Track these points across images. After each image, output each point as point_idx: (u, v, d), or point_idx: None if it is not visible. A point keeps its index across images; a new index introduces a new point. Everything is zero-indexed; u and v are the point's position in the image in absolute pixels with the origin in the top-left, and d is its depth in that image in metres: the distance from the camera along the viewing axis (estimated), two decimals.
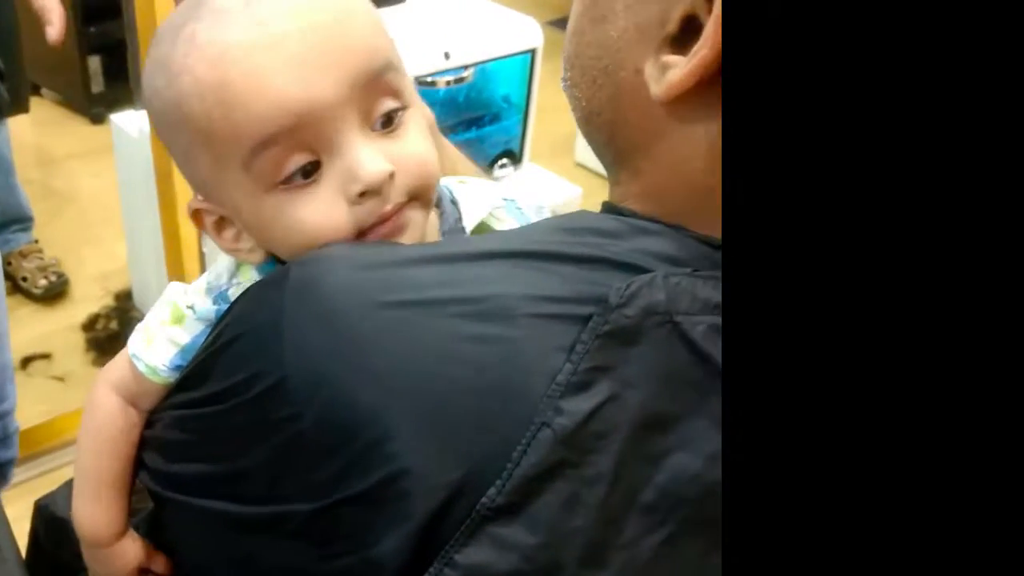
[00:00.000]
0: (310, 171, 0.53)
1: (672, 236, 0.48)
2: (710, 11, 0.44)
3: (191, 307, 0.59)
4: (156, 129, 0.58)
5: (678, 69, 0.45)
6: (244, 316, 0.51)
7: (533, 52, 1.84)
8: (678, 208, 0.50)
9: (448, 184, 0.65)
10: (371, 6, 0.56)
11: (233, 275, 0.60)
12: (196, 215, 0.60)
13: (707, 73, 0.44)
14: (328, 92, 0.51)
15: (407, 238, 0.55)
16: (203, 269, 1.85)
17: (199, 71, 0.52)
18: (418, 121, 0.57)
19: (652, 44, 0.47)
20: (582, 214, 0.52)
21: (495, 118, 1.88)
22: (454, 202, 0.64)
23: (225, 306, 0.56)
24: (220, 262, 0.62)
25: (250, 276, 0.59)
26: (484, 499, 0.43)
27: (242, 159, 0.53)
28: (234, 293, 0.58)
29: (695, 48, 0.44)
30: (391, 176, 0.53)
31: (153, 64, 0.55)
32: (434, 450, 0.44)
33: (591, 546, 0.44)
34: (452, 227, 0.62)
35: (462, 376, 0.44)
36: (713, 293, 0.46)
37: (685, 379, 0.45)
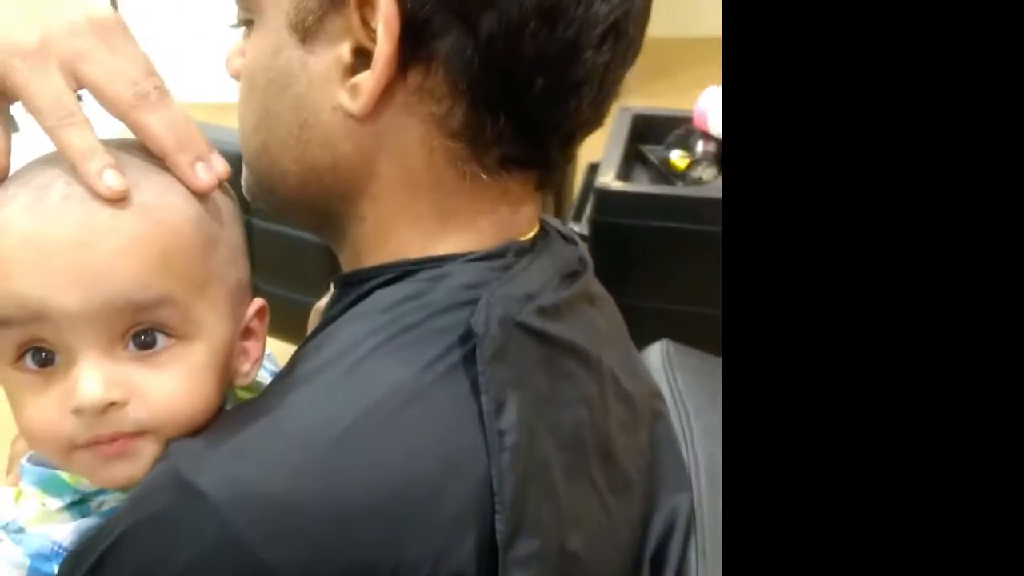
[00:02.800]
0: (46, 362, 0.53)
1: (451, 268, 0.57)
2: (372, 39, 0.53)
3: None
4: None
5: (367, 80, 0.54)
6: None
7: None
8: (416, 226, 0.58)
9: None
10: (174, 242, 0.53)
11: (12, 503, 0.56)
12: None
13: (391, 70, 0.53)
14: (70, 304, 0.50)
15: (126, 468, 0.53)
16: None
17: None
18: (194, 358, 0.54)
19: (337, 81, 0.55)
20: (375, 297, 0.56)
21: None
22: None
23: (49, 550, 0.54)
24: None
25: (34, 502, 0.56)
26: (498, 535, 0.50)
27: None
28: (33, 527, 0.55)
29: (375, 56, 0.53)
30: (113, 404, 0.51)
31: None
32: (431, 537, 0.49)
33: (573, 511, 0.55)
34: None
35: (421, 466, 0.50)
36: (516, 288, 0.55)
37: (542, 358, 0.55)
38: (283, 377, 0.56)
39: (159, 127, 0.53)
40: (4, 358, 0.53)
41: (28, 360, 0.53)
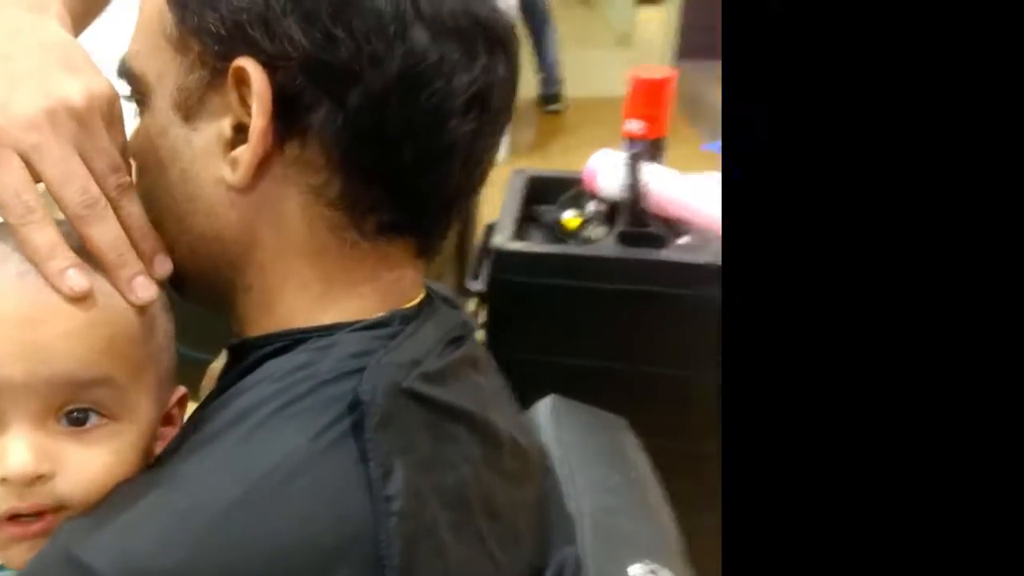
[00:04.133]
0: None
1: (339, 337, 0.58)
2: (250, 114, 0.55)
3: None
4: None
5: (245, 152, 0.56)
6: None
7: None
8: (301, 293, 0.60)
9: None
10: (120, 327, 0.56)
11: None
12: None
13: (266, 143, 0.56)
14: (15, 376, 0.52)
15: (36, 547, 0.53)
16: None
17: None
18: (122, 439, 0.56)
19: (219, 155, 0.58)
20: (267, 367, 0.58)
21: None
22: None
23: None
24: None
25: None
26: None
27: None
28: None
29: (250, 130, 0.55)
30: (40, 476, 0.53)
31: None
32: None
33: (461, 567, 0.57)
34: None
35: (313, 534, 0.51)
36: (401, 356, 0.57)
37: (426, 423, 0.57)
38: (175, 447, 0.57)
39: (100, 242, 0.56)
40: None
41: None
